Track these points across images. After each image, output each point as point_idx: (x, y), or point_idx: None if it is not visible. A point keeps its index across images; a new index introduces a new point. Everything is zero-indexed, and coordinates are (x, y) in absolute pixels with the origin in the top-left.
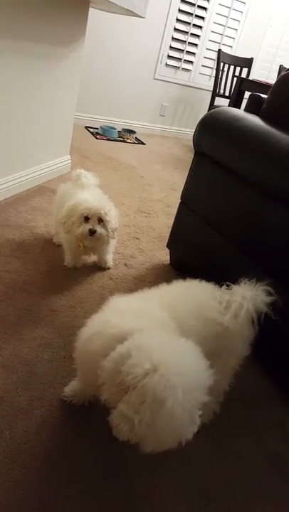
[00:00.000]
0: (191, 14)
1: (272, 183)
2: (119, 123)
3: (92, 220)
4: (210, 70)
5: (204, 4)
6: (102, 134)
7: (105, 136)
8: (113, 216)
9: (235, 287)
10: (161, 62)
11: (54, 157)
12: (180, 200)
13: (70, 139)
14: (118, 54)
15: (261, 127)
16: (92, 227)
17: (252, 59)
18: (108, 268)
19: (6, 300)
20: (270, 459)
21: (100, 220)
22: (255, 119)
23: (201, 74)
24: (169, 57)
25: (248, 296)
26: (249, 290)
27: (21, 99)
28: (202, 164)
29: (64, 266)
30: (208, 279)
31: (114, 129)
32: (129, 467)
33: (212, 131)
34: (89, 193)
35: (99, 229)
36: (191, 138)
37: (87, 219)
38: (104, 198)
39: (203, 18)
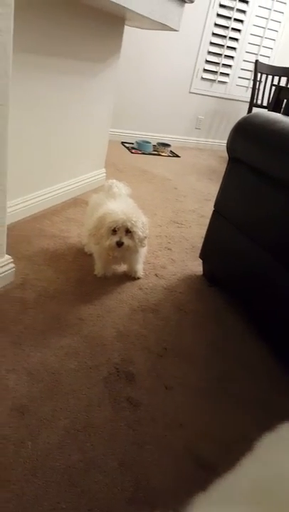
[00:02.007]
0: (227, 27)
1: None
2: (155, 137)
3: (120, 231)
4: (247, 81)
5: (241, 17)
6: (137, 148)
7: (140, 151)
8: (141, 226)
9: None
10: (196, 76)
11: (89, 170)
12: (213, 209)
13: (106, 152)
14: (153, 69)
15: None
16: (119, 239)
17: None
18: (138, 278)
19: (37, 307)
20: None
21: (128, 231)
22: None
23: (238, 85)
24: (205, 70)
25: None
26: None
27: (58, 115)
28: (236, 171)
29: (94, 275)
30: (242, 291)
31: (149, 143)
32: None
33: (247, 135)
34: (118, 203)
35: (126, 240)
36: (224, 149)
37: (114, 231)
38: (133, 208)
39: (239, 30)
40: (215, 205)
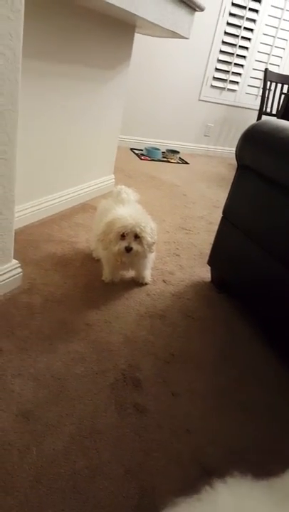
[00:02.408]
0: (237, 36)
1: None
2: (164, 144)
3: (129, 237)
4: (256, 89)
5: (250, 26)
6: (146, 154)
7: (149, 157)
8: (150, 231)
9: None
10: (206, 84)
11: (98, 176)
12: (222, 216)
13: (114, 158)
14: (163, 77)
15: None
16: (128, 244)
17: None
18: (146, 284)
19: (44, 312)
20: None
21: (136, 237)
22: None
23: (248, 94)
24: (215, 78)
25: None
26: None
27: (67, 121)
28: (245, 177)
29: (102, 280)
30: (251, 297)
31: (159, 149)
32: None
33: (255, 142)
34: (127, 209)
35: (135, 246)
36: (234, 156)
37: (123, 236)
38: (142, 213)
39: (249, 39)
40: (223, 212)
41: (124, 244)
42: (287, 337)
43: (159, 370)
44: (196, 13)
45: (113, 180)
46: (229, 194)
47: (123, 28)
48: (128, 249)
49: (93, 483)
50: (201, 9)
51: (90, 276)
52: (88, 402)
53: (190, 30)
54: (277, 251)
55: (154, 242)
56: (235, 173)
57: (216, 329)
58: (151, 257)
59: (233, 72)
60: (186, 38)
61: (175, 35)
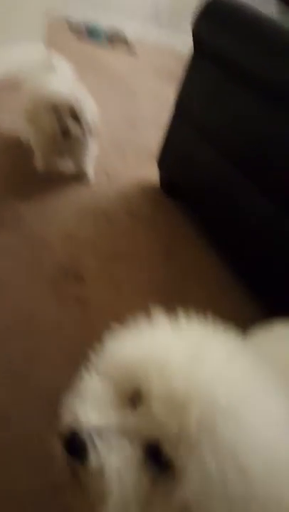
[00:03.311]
0: None
1: (285, 80)
2: (105, 19)
3: (64, 113)
4: None
5: None
6: (87, 35)
7: (91, 39)
8: (90, 108)
9: None
10: None
11: (23, 40)
12: (173, 110)
13: (44, 22)
14: None
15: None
16: (64, 123)
17: None
18: (88, 181)
19: None
20: None
21: (73, 114)
22: None
23: None
24: None
25: None
26: None
27: None
28: (200, 66)
29: (35, 171)
30: (198, 199)
31: (101, 31)
32: None
33: (215, 17)
34: (61, 80)
35: (73, 126)
36: (188, 48)
37: (56, 111)
38: (78, 86)
39: None
40: (175, 106)
41: (59, 123)
42: (230, 239)
43: (103, 266)
44: None
45: (44, 52)
46: (181, 85)
47: None
48: (65, 132)
49: (31, 366)
50: None
51: (18, 165)
52: (24, 293)
53: None
54: (231, 151)
55: (94, 126)
56: (189, 58)
57: (160, 229)
58: (93, 150)
59: None
60: None
61: None
